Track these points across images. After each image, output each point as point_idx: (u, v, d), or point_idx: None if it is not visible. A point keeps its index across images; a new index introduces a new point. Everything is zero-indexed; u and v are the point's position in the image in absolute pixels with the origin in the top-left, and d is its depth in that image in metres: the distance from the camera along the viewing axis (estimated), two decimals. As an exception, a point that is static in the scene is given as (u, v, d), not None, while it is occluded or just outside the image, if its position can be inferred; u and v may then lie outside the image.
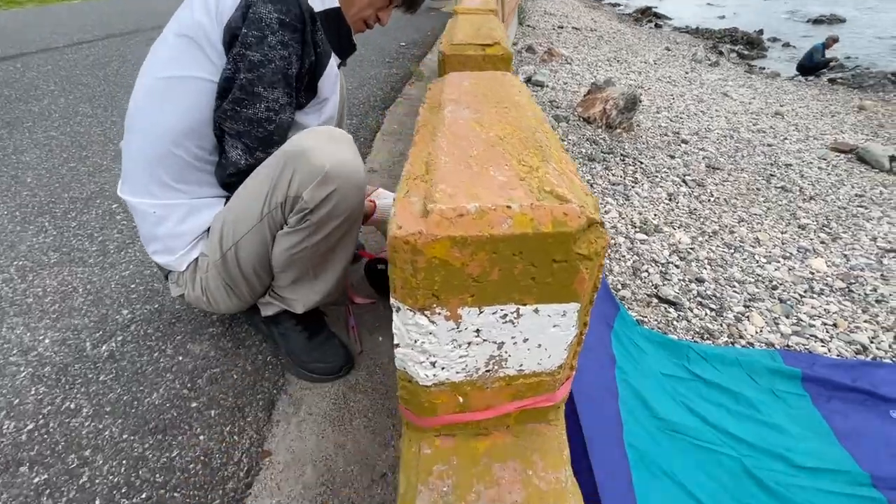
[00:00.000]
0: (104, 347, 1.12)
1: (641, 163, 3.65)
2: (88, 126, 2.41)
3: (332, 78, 0.91)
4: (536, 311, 0.47)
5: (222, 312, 1.07)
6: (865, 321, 2.19)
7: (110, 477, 0.88)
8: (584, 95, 4.54)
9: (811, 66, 7.88)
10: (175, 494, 0.86)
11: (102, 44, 4.21)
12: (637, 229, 2.74)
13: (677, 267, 2.44)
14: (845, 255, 2.73)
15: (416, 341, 0.48)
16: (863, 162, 4.14)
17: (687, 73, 7.37)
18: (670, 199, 3.17)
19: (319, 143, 0.75)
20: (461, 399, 0.53)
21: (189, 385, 1.05)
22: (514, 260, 0.43)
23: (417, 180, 0.47)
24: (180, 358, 1.10)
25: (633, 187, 3.25)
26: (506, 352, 0.50)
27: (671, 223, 2.87)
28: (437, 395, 0.52)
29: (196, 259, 0.92)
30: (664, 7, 17.96)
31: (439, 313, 0.46)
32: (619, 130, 4.17)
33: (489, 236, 0.41)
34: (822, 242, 2.85)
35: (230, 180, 0.84)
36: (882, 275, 2.58)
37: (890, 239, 2.98)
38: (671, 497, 1.25)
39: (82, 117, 2.53)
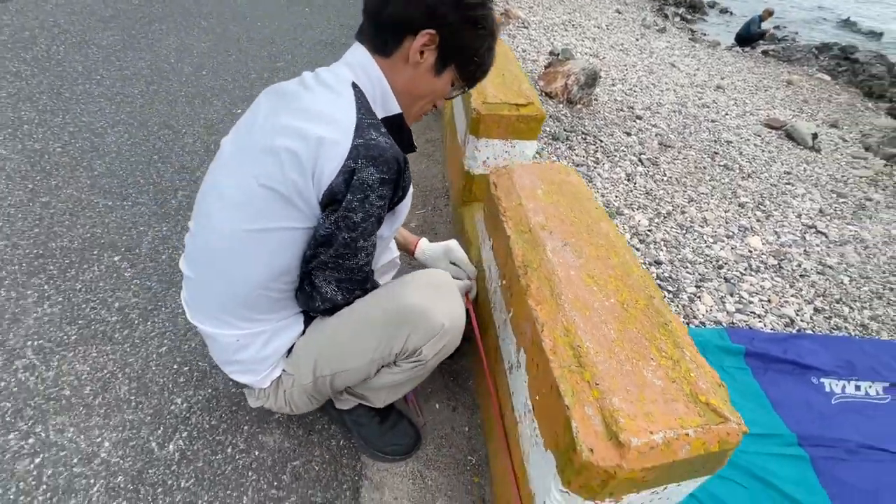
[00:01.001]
0: (172, 446, 1.03)
1: (601, 141, 3.79)
2: (43, 140, 1.99)
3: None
4: (679, 485, 0.57)
5: (299, 413, 1.04)
6: (792, 295, 2.52)
7: None
8: (545, 68, 4.56)
9: (748, 36, 8.31)
10: None
11: (11, 7, 3.45)
12: (601, 213, 2.91)
13: (637, 250, 2.64)
14: (776, 233, 3.07)
15: None
16: (791, 139, 4.54)
17: (637, 39, 7.52)
18: (629, 180, 3.36)
19: (434, 302, 0.79)
20: None
21: (275, 484, 1.01)
22: (684, 468, 0.53)
23: (576, 376, 0.52)
24: (256, 453, 1.05)
25: (595, 168, 3.40)
26: None
27: (631, 205, 3.06)
28: None
29: (279, 377, 0.91)
30: (613, -39, 17.80)
31: (608, 499, 0.53)
32: (579, 105, 4.27)
33: (672, 462, 0.50)
34: (758, 220, 3.17)
35: (321, 310, 0.82)
36: (805, 250, 2.94)
37: (812, 215, 3.38)
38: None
39: (30, 126, 2.09)
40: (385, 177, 0.71)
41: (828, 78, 7.01)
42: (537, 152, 3.32)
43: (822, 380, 1.96)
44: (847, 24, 11.80)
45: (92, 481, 0.94)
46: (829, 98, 6.19)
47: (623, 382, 0.53)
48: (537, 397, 0.63)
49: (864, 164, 4.33)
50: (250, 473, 1.01)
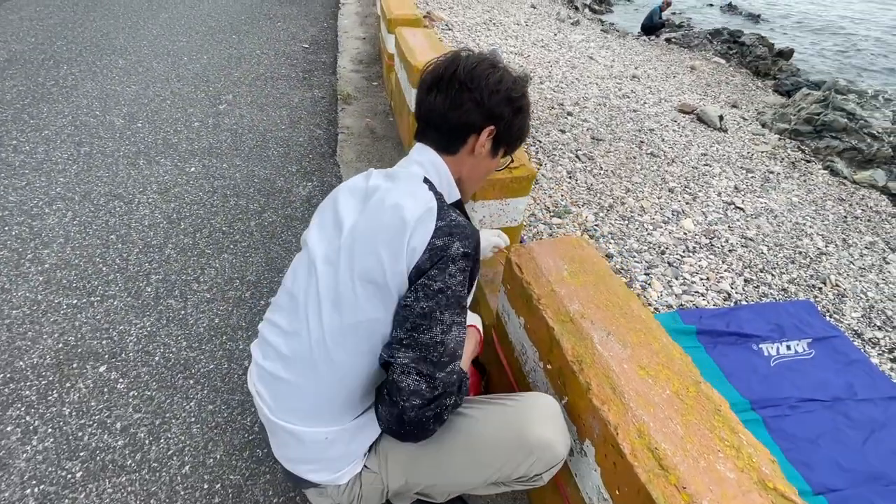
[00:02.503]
0: None
1: (540, 141, 3.97)
2: None
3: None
4: None
5: None
6: (725, 270, 2.82)
7: None
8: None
9: (651, 26, 9.03)
10: None
11: None
12: (552, 213, 3.06)
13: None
14: (703, 213, 3.40)
15: None
16: (702, 122, 5.01)
17: (555, 34, 7.88)
18: (570, 177, 3.55)
19: (557, 435, 0.81)
20: None
21: None
22: None
23: (661, 479, 0.59)
24: None
25: (539, 169, 3.56)
26: None
27: (576, 202, 3.25)
28: None
29: (359, 473, 0.89)
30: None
31: None
32: (514, 108, 4.43)
33: None
34: (687, 203, 3.50)
35: (412, 415, 0.74)
36: (729, 226, 3.29)
37: (729, 192, 3.77)
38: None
39: None
40: (466, 250, 0.78)
41: (723, 61, 7.78)
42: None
43: (760, 345, 2.23)
44: (731, 8, 13.14)
45: None
46: (726, 80, 6.89)
47: (704, 481, 0.60)
48: (617, 492, 0.68)
49: (763, 140, 4.89)
50: None
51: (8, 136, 2.36)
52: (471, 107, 0.87)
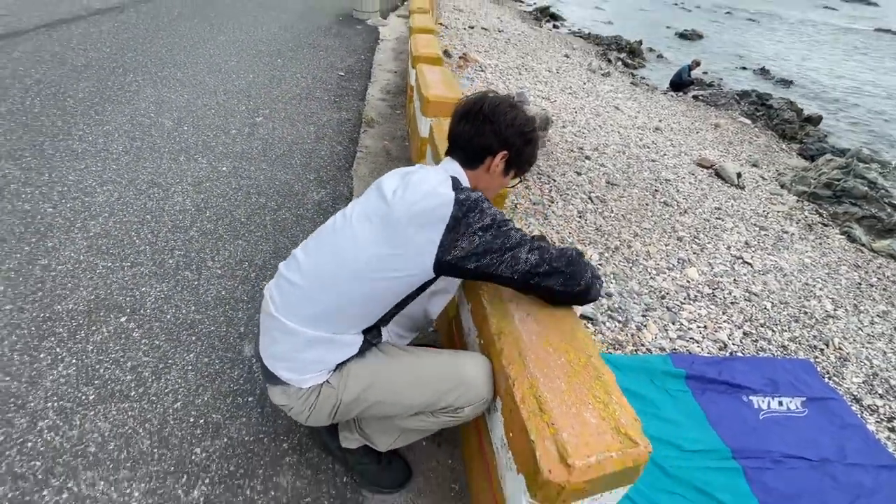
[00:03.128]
0: (196, 492, 1.12)
1: (555, 180, 4.12)
2: (33, 201, 1.99)
3: None
4: (612, 492, 0.80)
5: (308, 424, 1.18)
6: (724, 321, 2.84)
7: None
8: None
9: (680, 83, 9.29)
10: None
11: None
12: (557, 249, 3.16)
13: (591, 283, 2.89)
14: (710, 264, 3.43)
15: None
16: (720, 177, 5.08)
17: (584, 83, 8.18)
18: (580, 217, 3.66)
19: (484, 377, 1.01)
20: None
21: None
22: (610, 479, 0.76)
23: (538, 419, 0.76)
24: (273, 493, 1.16)
25: (550, 206, 3.68)
26: None
27: (583, 241, 3.34)
28: None
29: (321, 384, 1.05)
30: (559, 7, 19.37)
31: None
32: (534, 148, 4.61)
33: (602, 475, 0.73)
34: (695, 253, 3.54)
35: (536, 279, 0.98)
36: (734, 279, 3.32)
37: (739, 247, 3.80)
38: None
39: (17, 185, 2.07)
40: (486, 203, 0.99)
41: (748, 122, 7.91)
42: (498, 193, 3.57)
43: (750, 397, 2.23)
44: (762, 72, 13.37)
45: None
46: (749, 140, 6.98)
47: (569, 421, 0.78)
48: (511, 434, 0.86)
49: (781, 200, 4.91)
50: None
51: (76, 127, 2.73)
52: (490, 136, 1.10)
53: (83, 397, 1.31)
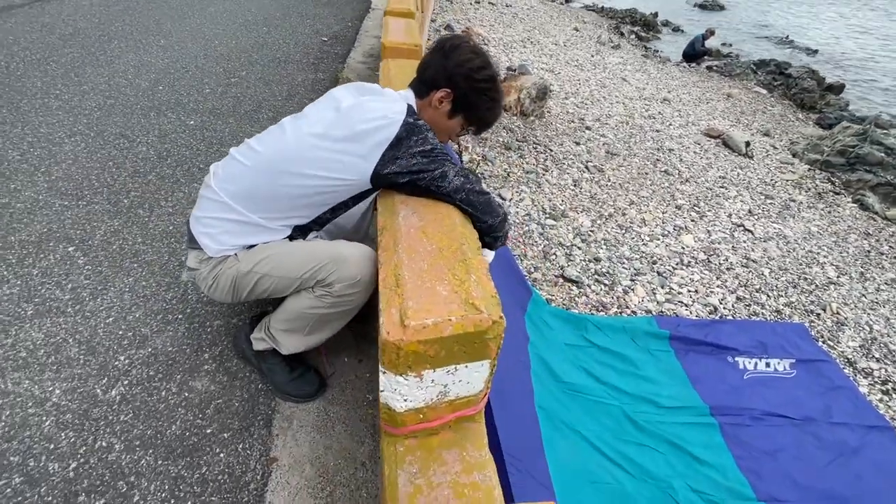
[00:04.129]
0: (114, 392, 1.22)
1: (551, 150, 4.04)
2: (2, 149, 2.13)
3: None
4: (467, 366, 0.81)
5: (213, 299, 1.29)
6: (718, 286, 2.77)
7: (158, 494, 1.07)
8: (501, 82, 4.80)
9: (693, 54, 8.93)
10: (213, 499, 1.09)
11: None
12: (547, 215, 3.11)
13: (579, 248, 2.85)
14: (708, 231, 3.35)
15: (395, 389, 0.79)
16: (727, 146, 4.92)
17: (592, 55, 7.95)
18: (575, 185, 3.59)
19: (357, 259, 1.06)
20: (421, 416, 0.85)
21: (200, 416, 1.22)
22: (454, 345, 0.76)
23: (392, 293, 0.77)
24: (186, 394, 1.25)
25: (544, 175, 3.62)
26: (449, 389, 0.83)
27: (575, 208, 3.29)
28: (406, 416, 0.84)
29: (228, 257, 1.13)
30: (573, -18, 18.71)
31: (410, 375, 0.77)
32: (532, 118, 4.52)
33: (439, 337, 0.73)
34: (692, 220, 3.45)
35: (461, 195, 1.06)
36: (733, 246, 3.23)
37: (741, 215, 3.69)
38: (571, 444, 1.62)
39: None
40: (431, 132, 1.05)
41: (764, 91, 7.59)
42: (488, 160, 3.53)
43: (736, 359, 2.19)
44: (786, 41, 12.76)
45: (44, 418, 1.15)
46: (763, 109, 6.71)
47: (420, 293, 0.79)
48: (379, 312, 0.82)
49: (791, 169, 4.73)
50: (180, 409, 1.22)
51: (54, 87, 2.83)
52: (439, 69, 1.14)
53: (22, 312, 1.42)
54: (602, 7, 14.47)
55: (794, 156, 5.03)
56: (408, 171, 1.01)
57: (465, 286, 0.78)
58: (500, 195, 3.17)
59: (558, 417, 1.68)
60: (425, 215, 0.97)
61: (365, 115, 1.03)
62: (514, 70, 5.50)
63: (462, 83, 1.13)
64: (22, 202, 1.86)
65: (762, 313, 2.62)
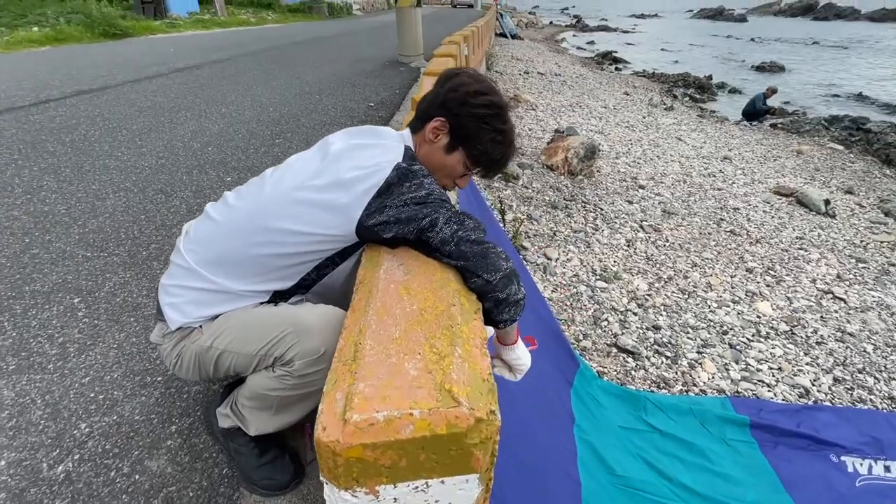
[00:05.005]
0: (60, 468, 1.11)
1: (601, 209, 3.85)
2: (53, 204, 2.32)
3: None
4: (443, 482, 0.57)
5: (179, 377, 1.14)
6: (807, 364, 2.34)
7: None
8: (547, 143, 4.79)
9: (754, 112, 8.58)
10: None
11: (70, 102, 4.11)
12: (598, 277, 2.87)
13: (635, 314, 2.56)
14: (788, 298, 2.92)
15: None
16: (802, 205, 4.47)
17: (644, 117, 7.86)
18: (629, 245, 3.34)
19: (321, 327, 0.88)
20: None
21: None
22: (418, 452, 0.54)
23: (344, 367, 0.59)
24: (137, 477, 1.10)
25: (593, 234, 3.41)
26: None
27: (629, 270, 3.02)
28: None
29: (193, 330, 0.99)
30: (624, 52, 19.28)
31: (360, 490, 0.56)
32: (580, 177, 4.40)
33: (394, 440, 0.52)
34: (768, 285, 3.05)
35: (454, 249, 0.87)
36: (821, 316, 2.77)
37: (828, 280, 3.22)
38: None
39: (46, 193, 2.44)
40: (428, 178, 0.90)
41: (840, 147, 7.02)
42: (533, 219, 3.39)
43: (843, 458, 1.75)
44: (860, 98, 12.00)
45: None
46: (842, 166, 6.16)
47: (379, 372, 0.58)
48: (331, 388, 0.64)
49: (885, 230, 4.17)
50: (124, 496, 1.06)
51: (117, 150, 3.15)
52: (432, 97, 1.02)
53: (4, 367, 1.38)
54: (653, 72, 14.65)
55: (885, 214, 4.46)
56: (395, 221, 0.85)
57: (444, 364, 0.58)
58: (545, 255, 3.00)
59: (611, 523, 1.37)
60: (413, 268, 0.78)
61: (353, 163, 0.90)
62: (562, 132, 5.49)
63: (457, 109, 0.98)
64: (50, 253, 1.95)
65: (870, 400, 2.15)
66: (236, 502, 1.07)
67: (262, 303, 0.98)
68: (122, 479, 1.09)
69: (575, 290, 2.69)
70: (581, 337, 2.33)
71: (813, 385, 2.19)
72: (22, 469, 1.10)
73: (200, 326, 0.98)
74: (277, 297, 0.99)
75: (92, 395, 1.30)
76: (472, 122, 0.99)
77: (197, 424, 1.24)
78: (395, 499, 0.56)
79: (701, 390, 2.07)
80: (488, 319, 0.88)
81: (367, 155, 0.92)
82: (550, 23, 39.22)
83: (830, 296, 3.03)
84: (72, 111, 3.95)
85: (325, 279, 0.99)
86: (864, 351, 2.50)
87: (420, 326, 0.64)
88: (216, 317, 0.97)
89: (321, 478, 0.56)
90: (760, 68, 16.45)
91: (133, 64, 6.25)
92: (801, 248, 3.66)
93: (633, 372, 2.14)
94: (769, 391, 2.12)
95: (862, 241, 3.94)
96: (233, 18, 14.23)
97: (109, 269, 1.87)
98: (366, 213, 0.86)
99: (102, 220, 2.23)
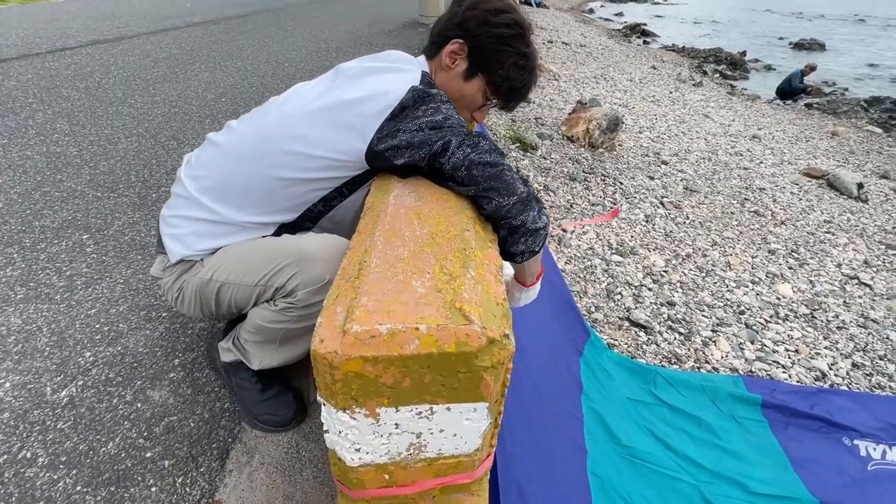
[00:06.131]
0: (64, 393, 1.11)
1: (621, 183, 3.73)
2: (65, 146, 2.35)
3: None
4: (448, 408, 0.53)
5: (182, 314, 1.15)
6: (826, 347, 2.27)
7: (63, 531, 0.89)
8: (569, 114, 4.63)
9: (789, 90, 8.15)
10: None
11: (86, 51, 4.10)
12: (613, 251, 2.80)
13: (650, 290, 2.50)
14: (811, 282, 2.82)
15: (340, 432, 0.54)
16: (833, 188, 4.29)
17: (671, 92, 7.55)
18: (647, 221, 3.25)
19: (325, 254, 0.82)
20: (387, 476, 0.59)
21: (145, 434, 1.05)
22: (423, 372, 0.49)
23: (347, 284, 0.54)
24: (139, 405, 1.10)
25: (611, 208, 3.32)
26: (424, 440, 0.56)
27: (647, 245, 2.94)
28: (363, 474, 0.58)
29: (194, 263, 0.95)
30: (653, 25, 18.39)
31: (359, 412, 0.52)
32: (601, 150, 4.26)
33: (398, 355, 0.47)
34: (790, 268, 2.95)
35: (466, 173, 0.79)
36: (844, 301, 2.68)
37: (854, 266, 3.10)
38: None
39: (59, 135, 2.46)
40: (447, 102, 0.83)
41: (879, 130, 6.66)
42: (549, 190, 3.31)
43: (856, 442, 1.71)
44: (904, 79, 11.34)
45: None
46: (879, 150, 5.86)
47: (384, 288, 0.53)
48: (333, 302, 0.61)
49: (920, 217, 3.99)
50: (125, 423, 1.06)
51: (131, 97, 3.18)
52: (449, 17, 0.95)
53: (12, 295, 1.40)
54: (683, 47, 13.98)
55: (922, 202, 4.25)
56: (407, 146, 0.78)
57: (456, 284, 0.52)
58: (560, 226, 2.93)
59: (614, 488, 1.36)
60: (426, 195, 0.73)
61: (367, 84, 0.84)
62: (585, 103, 5.30)
63: (476, 30, 0.90)
64: (61, 191, 1.96)
65: (890, 387, 2.08)
66: (238, 436, 1.06)
67: (265, 236, 0.94)
68: (125, 406, 1.10)
69: (589, 262, 2.63)
70: (593, 309, 2.28)
71: (830, 369, 2.13)
72: (26, 391, 1.11)
73: (202, 260, 0.94)
74: (282, 231, 0.95)
75: (97, 326, 1.31)
76: (494, 43, 0.91)
77: (200, 359, 1.24)
78: (396, 424, 0.52)
79: (713, 368, 2.03)
80: (505, 253, 0.81)
81: (382, 78, 0.86)
82: (578, -9, 37.53)
83: (856, 281, 2.92)
84: (87, 59, 3.94)
85: (332, 212, 0.94)
86: (888, 338, 2.41)
87: (430, 248, 0.59)
88: (218, 250, 0.94)
89: (318, 397, 0.52)
90: (799, 45, 15.57)
91: (150, 16, 6.16)
92: (828, 232, 3.52)
93: (644, 346, 2.10)
94: (784, 373, 2.07)
95: (894, 227, 3.77)
96: (251, -25, 13.85)
97: (119, 209, 1.87)
98: (377, 137, 0.79)
99: (113, 162, 2.24)
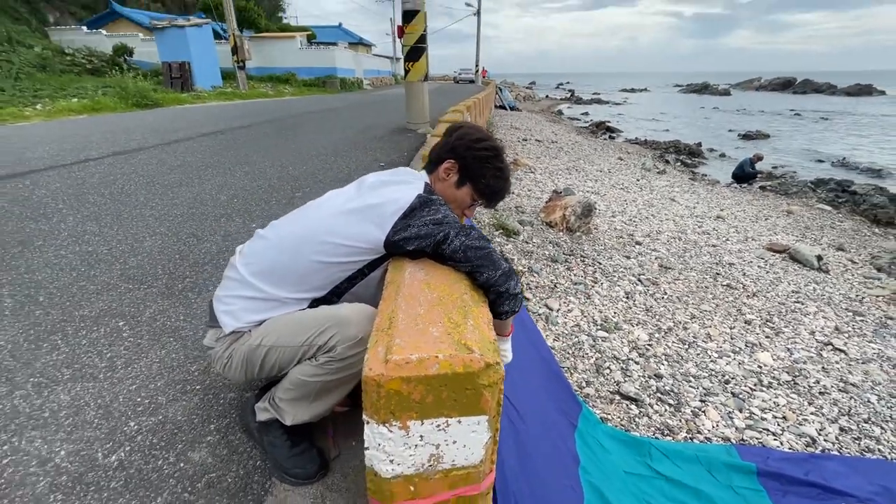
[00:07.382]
0: (114, 457, 1.23)
1: (600, 263, 3.99)
2: (96, 245, 2.54)
3: None
4: (459, 421, 0.72)
5: (227, 378, 1.32)
6: (812, 413, 2.35)
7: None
8: (546, 202, 5.04)
9: (743, 175, 9.04)
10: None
11: (108, 161, 4.50)
12: (598, 327, 2.94)
13: (637, 363, 2.60)
14: (788, 349, 2.97)
15: (379, 444, 0.71)
16: (795, 261, 4.61)
17: (638, 179, 8.25)
18: (628, 298, 3.44)
19: (358, 318, 1.06)
20: (412, 488, 0.75)
21: (189, 489, 1.17)
22: (441, 389, 0.69)
23: (383, 333, 0.76)
24: (181, 465, 1.23)
25: (593, 286, 3.52)
26: (441, 451, 0.73)
27: (630, 321, 3.09)
28: (395, 486, 0.74)
29: (243, 333, 1.16)
30: (616, 122, 20.50)
31: (394, 425, 0.70)
32: (578, 233, 4.59)
33: (424, 375, 0.67)
34: (767, 337, 3.10)
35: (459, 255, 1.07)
36: (823, 367, 2.80)
37: (826, 332, 3.27)
38: None
39: (90, 236, 2.67)
40: (445, 206, 1.10)
41: (828, 208, 7.29)
42: (533, 271, 3.52)
43: (854, 508, 1.73)
44: (842, 163, 12.61)
45: (41, 478, 1.17)
46: (831, 225, 6.37)
47: (410, 333, 0.75)
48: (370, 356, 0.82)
49: (879, 284, 4.27)
50: (171, 480, 1.19)
51: (152, 201, 3.41)
52: (444, 145, 1.27)
53: (59, 376, 1.53)
54: (645, 140, 15.51)
55: (878, 270, 4.58)
56: (416, 237, 1.05)
57: (460, 329, 0.74)
58: (546, 305, 3.09)
59: (620, 567, 1.36)
60: (432, 271, 0.98)
61: (384, 193, 1.12)
62: (560, 192, 5.78)
63: (464, 153, 1.22)
64: (95, 285, 2.13)
65: (878, 450, 2.14)
66: (269, 489, 1.19)
67: (301, 309, 1.16)
68: (169, 466, 1.23)
69: (576, 339, 2.75)
70: (584, 384, 2.36)
71: (819, 434, 2.19)
72: (80, 458, 1.23)
73: (250, 331, 1.15)
74: (315, 304, 1.17)
75: (139, 399, 1.45)
76: (477, 162, 1.23)
77: (233, 424, 1.38)
78: (421, 436, 0.70)
79: (706, 437, 2.08)
80: (492, 311, 1.05)
81: (395, 188, 1.15)
82: (546, 97, 42.00)
83: (830, 347, 3.07)
84: (109, 168, 4.30)
85: (354, 288, 1.18)
86: (869, 401, 2.51)
87: (440, 307, 0.81)
88: (262, 322, 1.15)
89: (364, 417, 0.69)
90: (747, 136, 17.43)
91: (163, 129, 6.77)
92: (797, 302, 3.74)
93: (636, 419, 2.16)
94: (775, 439, 2.12)
95: (857, 296, 4.02)
96: (253, 91, 15.38)
97: (149, 299, 2.03)
98: (393, 231, 1.05)
99: (141, 258, 2.43)
